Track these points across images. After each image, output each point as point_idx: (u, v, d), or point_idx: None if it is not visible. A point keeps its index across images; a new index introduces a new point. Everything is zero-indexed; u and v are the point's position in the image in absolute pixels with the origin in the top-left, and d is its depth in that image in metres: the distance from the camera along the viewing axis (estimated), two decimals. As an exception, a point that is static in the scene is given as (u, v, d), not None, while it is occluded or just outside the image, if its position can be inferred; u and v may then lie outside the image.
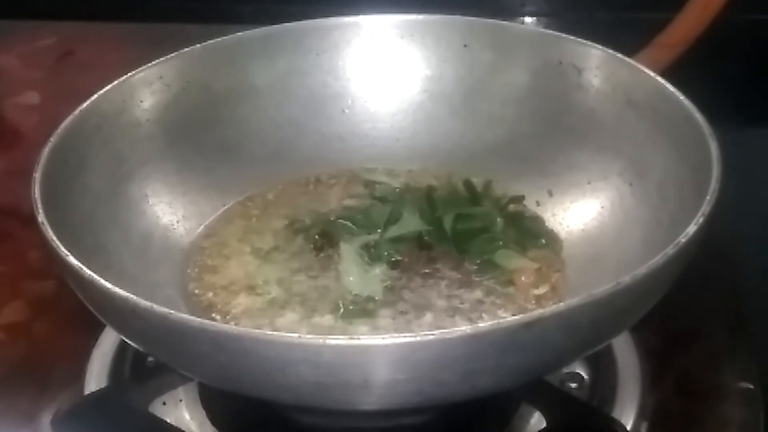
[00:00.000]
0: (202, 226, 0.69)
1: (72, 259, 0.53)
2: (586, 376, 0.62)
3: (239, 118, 0.72)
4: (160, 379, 0.62)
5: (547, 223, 0.68)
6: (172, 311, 0.50)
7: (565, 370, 0.62)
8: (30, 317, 0.72)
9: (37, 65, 1.00)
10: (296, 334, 0.49)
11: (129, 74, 0.68)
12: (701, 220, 0.54)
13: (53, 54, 1.01)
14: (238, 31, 0.72)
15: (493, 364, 0.50)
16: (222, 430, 0.61)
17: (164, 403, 0.62)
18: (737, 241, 0.73)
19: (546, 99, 0.70)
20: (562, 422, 0.58)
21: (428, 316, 0.61)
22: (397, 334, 0.49)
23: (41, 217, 0.56)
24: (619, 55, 0.67)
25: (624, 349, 0.63)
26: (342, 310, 0.62)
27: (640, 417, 0.60)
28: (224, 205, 0.70)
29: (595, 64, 0.68)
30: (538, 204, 0.69)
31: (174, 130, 0.70)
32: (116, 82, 0.67)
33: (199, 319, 0.50)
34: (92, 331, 0.65)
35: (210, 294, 0.64)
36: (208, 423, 0.61)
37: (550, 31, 0.72)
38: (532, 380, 0.56)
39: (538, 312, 0.49)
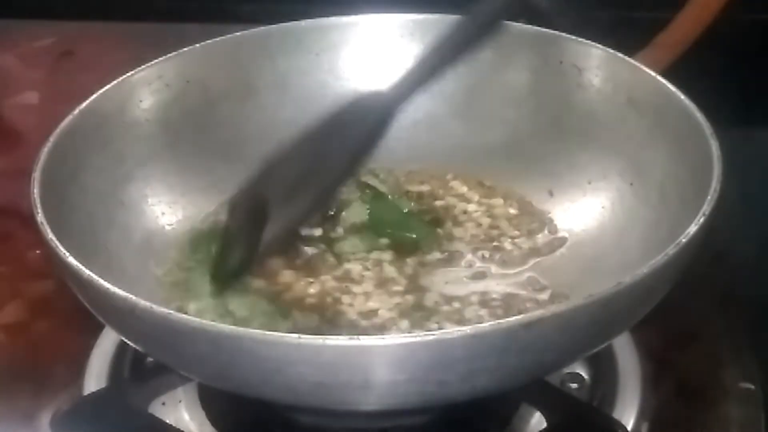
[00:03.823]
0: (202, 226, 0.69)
1: (71, 259, 0.53)
2: (586, 377, 0.62)
3: (239, 118, 0.72)
4: (160, 379, 0.62)
5: (548, 224, 0.68)
6: (171, 311, 0.50)
7: (566, 370, 0.62)
8: (29, 317, 0.71)
9: (37, 65, 1.00)
10: (296, 335, 0.49)
11: (128, 74, 0.68)
12: (702, 219, 0.54)
13: (52, 54, 1.01)
14: (238, 31, 0.72)
15: (493, 365, 0.50)
16: (221, 431, 0.61)
17: (164, 404, 0.62)
18: (738, 241, 0.73)
19: (546, 99, 0.70)
20: (563, 423, 0.58)
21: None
22: (397, 334, 0.49)
23: (40, 217, 0.56)
24: (620, 55, 0.67)
25: (625, 350, 0.63)
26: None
27: (640, 417, 0.60)
28: (224, 205, 0.70)
29: (596, 63, 0.68)
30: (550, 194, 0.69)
31: (173, 129, 0.69)
32: (116, 81, 0.67)
33: (198, 320, 0.50)
34: (91, 332, 0.65)
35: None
36: (207, 423, 0.61)
37: (551, 31, 0.72)
38: (532, 380, 0.56)
39: (539, 312, 0.49)
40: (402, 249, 0.66)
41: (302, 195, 0.61)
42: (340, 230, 0.67)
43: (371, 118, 0.61)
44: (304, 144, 0.62)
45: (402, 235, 0.67)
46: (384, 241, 0.67)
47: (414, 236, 0.67)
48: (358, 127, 0.61)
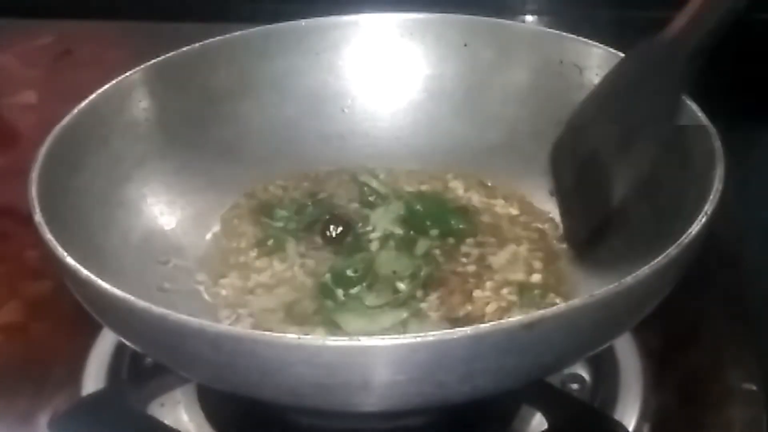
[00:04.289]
0: (200, 226, 0.68)
1: (69, 260, 0.53)
2: (587, 378, 0.62)
3: (238, 118, 0.72)
4: (158, 380, 0.61)
5: (548, 224, 0.67)
6: (170, 312, 0.49)
7: (567, 371, 0.61)
8: (27, 318, 0.71)
9: (35, 64, 1.00)
10: (296, 335, 0.49)
11: (127, 73, 0.68)
12: (704, 219, 0.53)
13: (51, 53, 1.01)
14: (238, 30, 0.72)
15: (493, 365, 0.49)
16: (220, 432, 0.61)
17: (162, 405, 0.62)
18: (740, 241, 0.72)
19: (547, 98, 0.70)
20: (564, 424, 0.58)
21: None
22: (396, 335, 0.48)
23: (38, 217, 0.56)
24: (621, 54, 0.67)
25: (626, 350, 0.63)
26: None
27: (642, 418, 0.60)
28: (223, 205, 0.70)
29: (596, 62, 0.68)
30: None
31: (172, 129, 0.69)
32: (114, 81, 0.67)
33: (197, 320, 0.50)
34: (90, 332, 0.65)
35: (210, 294, 0.64)
36: (206, 425, 0.61)
37: (551, 30, 0.72)
38: (533, 381, 0.56)
39: (539, 313, 0.48)
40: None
41: (634, 149, 0.59)
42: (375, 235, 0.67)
43: (676, 65, 0.59)
44: (608, 103, 0.61)
45: (447, 226, 0.67)
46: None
47: (460, 226, 0.67)
48: (664, 76, 0.59)
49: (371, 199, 0.70)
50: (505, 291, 0.63)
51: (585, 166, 0.61)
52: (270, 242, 0.67)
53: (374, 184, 0.71)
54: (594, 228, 0.61)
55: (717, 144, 0.58)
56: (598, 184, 0.60)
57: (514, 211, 0.69)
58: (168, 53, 0.70)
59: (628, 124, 0.60)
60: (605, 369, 0.62)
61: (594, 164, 0.60)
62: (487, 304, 0.62)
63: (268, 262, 0.66)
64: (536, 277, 0.64)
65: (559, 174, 0.64)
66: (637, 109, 0.60)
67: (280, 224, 0.68)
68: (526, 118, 0.71)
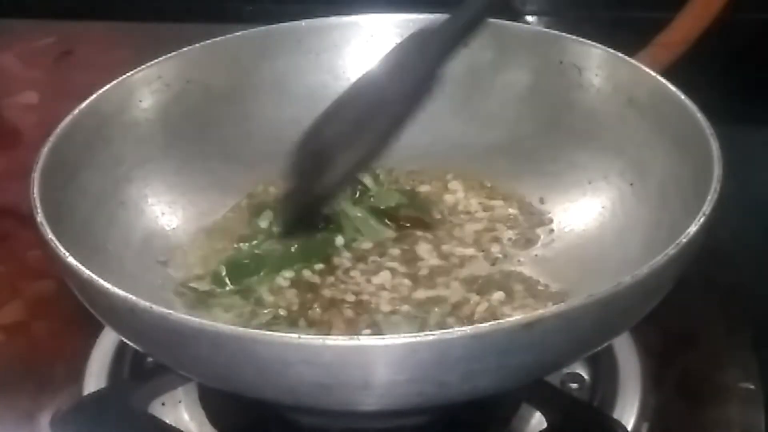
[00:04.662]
0: (201, 227, 0.69)
1: (71, 259, 0.53)
2: (586, 377, 0.62)
3: (239, 118, 0.72)
4: (160, 379, 0.62)
5: (548, 224, 0.68)
6: (171, 311, 0.50)
7: (566, 370, 0.62)
8: (29, 317, 0.71)
9: (36, 65, 1.00)
10: (296, 335, 0.49)
11: (128, 74, 0.68)
12: (702, 220, 0.54)
13: (52, 53, 1.01)
14: (238, 31, 0.72)
15: (493, 365, 0.49)
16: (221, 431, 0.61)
17: (163, 404, 0.62)
18: (738, 241, 0.72)
19: (546, 98, 0.70)
20: (563, 423, 0.58)
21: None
22: (397, 335, 0.49)
23: (40, 217, 0.56)
24: (620, 55, 0.67)
25: (625, 350, 0.63)
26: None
27: (641, 417, 0.60)
28: (224, 205, 0.70)
29: (596, 63, 0.68)
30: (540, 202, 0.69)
31: (173, 129, 0.69)
32: (115, 81, 0.67)
33: (198, 320, 0.50)
34: (91, 332, 0.65)
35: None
36: (207, 424, 0.61)
37: (551, 31, 0.72)
38: (532, 381, 0.56)
39: (539, 312, 0.49)
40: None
41: (365, 137, 0.62)
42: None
43: (429, 54, 0.61)
44: (362, 87, 0.63)
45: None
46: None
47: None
48: (416, 67, 0.62)
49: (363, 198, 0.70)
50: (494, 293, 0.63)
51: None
52: (254, 243, 0.67)
53: (366, 181, 0.70)
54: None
55: (715, 144, 0.58)
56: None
57: (513, 211, 0.69)
58: (168, 53, 0.70)
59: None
60: (604, 368, 0.62)
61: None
62: (478, 304, 0.62)
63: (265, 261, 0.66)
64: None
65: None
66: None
67: (265, 226, 0.68)
68: (526, 119, 0.71)
